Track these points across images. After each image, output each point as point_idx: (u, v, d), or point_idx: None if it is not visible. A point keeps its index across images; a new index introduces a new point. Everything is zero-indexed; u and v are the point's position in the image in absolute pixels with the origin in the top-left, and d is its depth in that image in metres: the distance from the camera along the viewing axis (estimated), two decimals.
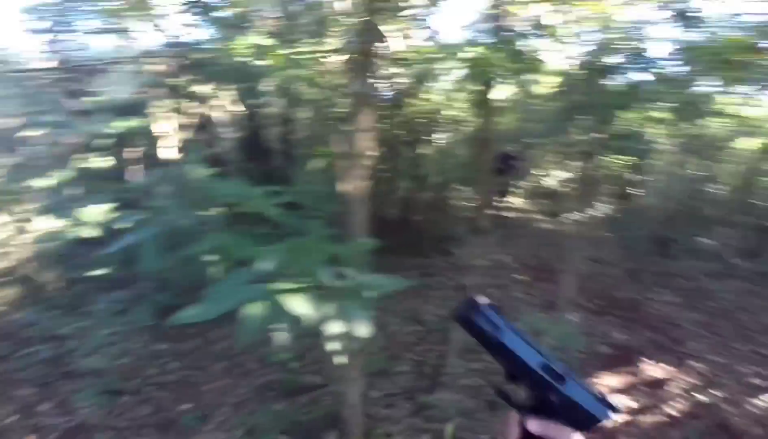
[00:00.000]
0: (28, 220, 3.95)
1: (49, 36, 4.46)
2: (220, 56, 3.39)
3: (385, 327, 3.78)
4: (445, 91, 4.95)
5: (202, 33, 3.86)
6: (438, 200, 5.89)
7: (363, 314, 1.38)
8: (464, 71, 3.11)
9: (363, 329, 1.38)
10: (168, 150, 4.00)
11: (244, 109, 4.64)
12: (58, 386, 2.83)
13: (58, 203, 4.18)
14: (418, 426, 2.75)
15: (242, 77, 3.84)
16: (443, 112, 5.40)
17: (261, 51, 2.74)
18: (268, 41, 2.76)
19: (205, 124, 4.39)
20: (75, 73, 4.50)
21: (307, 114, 4.91)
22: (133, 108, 3.91)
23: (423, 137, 5.49)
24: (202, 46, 3.73)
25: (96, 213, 3.58)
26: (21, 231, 3.74)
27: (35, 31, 4.44)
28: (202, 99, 4.18)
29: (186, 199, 2.53)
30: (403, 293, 4.36)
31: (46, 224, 3.90)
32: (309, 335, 1.52)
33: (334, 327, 1.38)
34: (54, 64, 4.62)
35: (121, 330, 3.50)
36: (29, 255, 3.90)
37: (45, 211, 4.03)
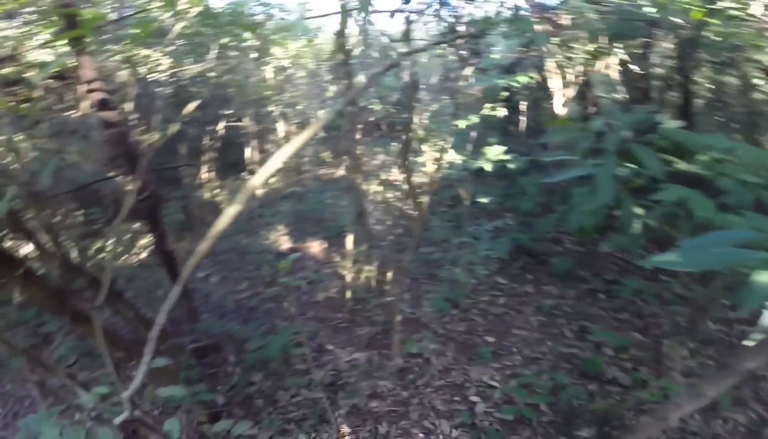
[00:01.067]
0: (443, 151, 5.20)
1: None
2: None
3: None
4: None
5: None
6: None
7: None
8: None
9: None
10: (558, 104, 4.01)
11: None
12: (423, 283, 3.84)
13: (464, 141, 5.20)
14: None
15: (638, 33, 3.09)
16: None
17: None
18: None
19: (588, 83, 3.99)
20: (472, 36, 5.10)
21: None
22: (520, 66, 4.11)
23: None
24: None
25: (494, 152, 4.22)
26: (436, 159, 4.99)
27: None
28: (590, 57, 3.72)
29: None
30: None
31: (453, 155, 4.98)
32: None
33: None
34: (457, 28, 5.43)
35: (481, 254, 4.12)
36: (438, 177, 5.18)
37: (454, 146, 5.14)
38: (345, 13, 2.03)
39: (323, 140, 7.39)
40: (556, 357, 2.85)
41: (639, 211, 1.55)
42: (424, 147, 5.07)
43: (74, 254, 3.72)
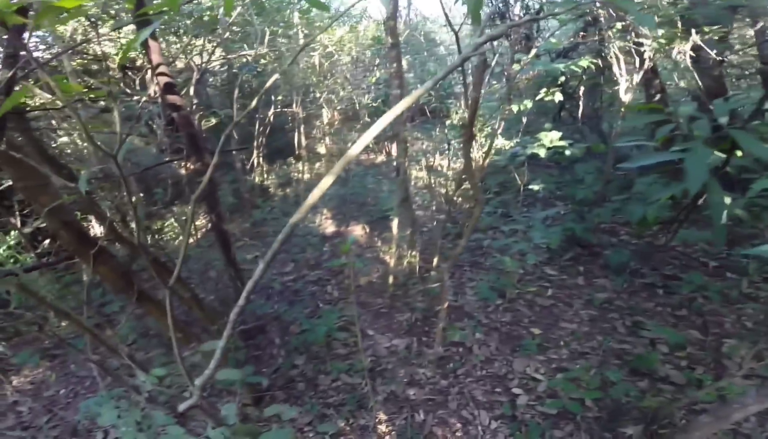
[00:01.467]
0: (493, 136, 5.04)
1: None
2: None
3: None
4: None
5: None
6: None
7: None
8: None
9: None
10: (623, 91, 3.80)
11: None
12: (467, 270, 3.78)
13: (515, 127, 5.02)
14: None
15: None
16: None
17: None
18: None
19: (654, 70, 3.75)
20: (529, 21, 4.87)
21: None
22: (576, 51, 3.92)
23: None
24: None
25: (550, 137, 4.08)
26: (484, 145, 4.85)
27: None
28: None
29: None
30: None
31: (502, 141, 4.83)
32: None
33: None
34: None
35: (533, 243, 3.99)
36: (485, 163, 5.03)
37: (504, 131, 4.98)
38: None
39: (367, 125, 7.40)
40: (606, 352, 2.72)
41: (727, 200, 1.43)
42: (476, 133, 4.96)
43: (140, 235, 3.97)
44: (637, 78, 3.72)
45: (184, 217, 5.19)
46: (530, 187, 4.70)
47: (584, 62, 3.50)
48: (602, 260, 3.64)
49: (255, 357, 3.04)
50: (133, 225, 3.36)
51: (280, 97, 6.22)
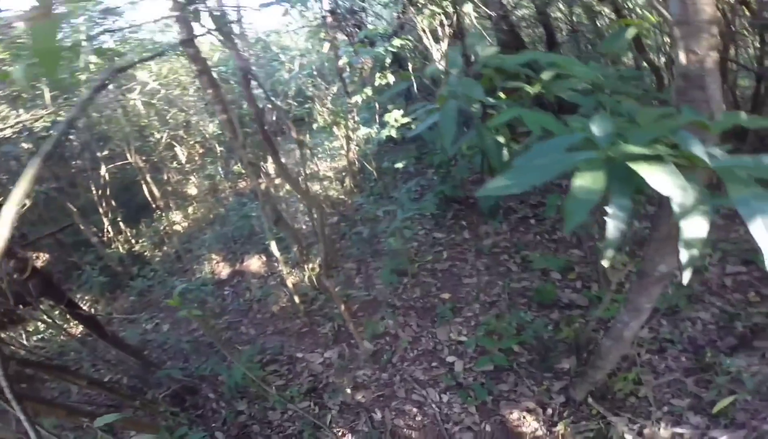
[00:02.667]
0: (354, 129, 5.13)
1: None
2: None
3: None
4: None
5: None
6: None
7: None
8: None
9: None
10: (437, 59, 4.06)
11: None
12: (370, 262, 3.82)
13: (368, 113, 5.16)
14: (685, 388, 1.99)
15: None
16: None
17: None
18: None
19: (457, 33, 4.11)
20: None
21: None
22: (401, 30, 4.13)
23: None
24: None
25: (394, 117, 4.21)
26: (349, 139, 4.92)
27: None
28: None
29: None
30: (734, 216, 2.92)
31: (364, 131, 4.93)
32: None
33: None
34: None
35: (413, 216, 4.16)
36: (356, 155, 5.13)
37: (364, 122, 5.10)
38: (188, 16, 1.82)
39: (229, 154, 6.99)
40: (511, 294, 2.98)
41: (502, 140, 1.57)
42: (336, 131, 4.99)
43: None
44: (444, 46, 4.02)
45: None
46: (396, 166, 4.90)
47: (397, 42, 3.71)
48: (478, 209, 3.96)
49: (199, 417, 2.87)
50: None
51: (106, 152, 5.49)
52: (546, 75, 1.32)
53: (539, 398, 2.29)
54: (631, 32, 1.28)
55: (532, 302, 2.85)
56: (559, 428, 2.10)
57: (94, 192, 5.16)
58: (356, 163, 4.87)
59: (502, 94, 1.57)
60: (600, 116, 1.02)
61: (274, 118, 5.47)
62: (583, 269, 2.96)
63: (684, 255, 0.74)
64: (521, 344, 2.57)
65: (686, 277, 0.62)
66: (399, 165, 4.77)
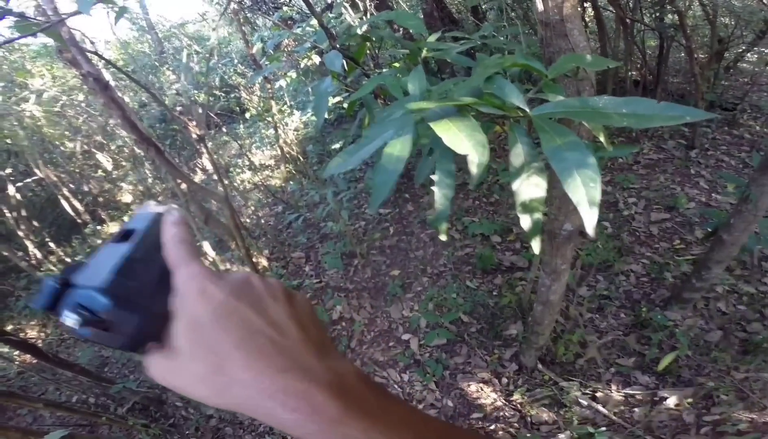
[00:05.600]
0: (288, 114, 4.92)
1: None
2: None
3: (620, 209, 2.83)
4: None
5: None
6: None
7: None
8: None
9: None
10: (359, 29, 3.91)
11: None
12: (317, 248, 3.75)
13: (298, 97, 4.96)
14: (628, 346, 2.08)
15: None
16: None
17: None
18: None
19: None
20: None
21: None
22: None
23: None
24: None
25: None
26: (284, 125, 4.72)
27: None
28: None
29: None
30: (655, 164, 3.11)
31: (296, 116, 4.75)
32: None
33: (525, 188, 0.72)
34: None
35: (356, 196, 4.11)
36: (292, 141, 4.96)
37: (298, 107, 4.90)
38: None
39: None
40: (456, 263, 3.02)
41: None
42: (270, 119, 4.76)
43: None
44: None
45: None
46: (333, 147, 4.79)
47: (314, 21, 3.54)
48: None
49: (172, 426, 2.83)
50: None
51: (9, 170, 4.96)
52: (432, 38, 1.26)
53: (493, 368, 2.34)
54: None
55: (475, 268, 2.90)
56: (516, 397, 2.15)
57: (8, 214, 4.69)
58: (292, 149, 4.70)
59: (396, 64, 1.51)
60: (414, 72, 0.94)
61: (200, 111, 5.12)
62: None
63: (525, 220, 0.67)
64: (469, 314, 2.61)
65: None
66: (336, 146, 4.66)
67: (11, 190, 4.68)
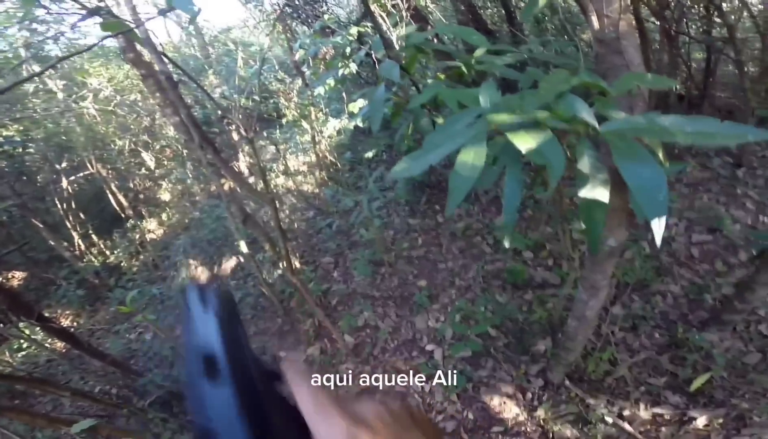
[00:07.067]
0: (324, 121, 5.04)
1: None
2: None
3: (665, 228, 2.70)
4: None
5: None
6: None
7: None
8: None
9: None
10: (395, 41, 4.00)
11: None
12: (346, 254, 3.79)
13: (339, 104, 5.07)
14: (661, 365, 1.99)
15: None
16: None
17: None
18: None
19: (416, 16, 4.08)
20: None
21: None
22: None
23: None
24: None
25: (357, 106, 4.13)
26: (316, 131, 4.84)
27: None
28: None
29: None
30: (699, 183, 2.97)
31: (333, 123, 4.85)
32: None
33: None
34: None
35: (386, 204, 4.14)
36: (327, 148, 5.06)
37: (333, 113, 5.01)
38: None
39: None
40: (485, 277, 2.98)
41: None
42: (305, 125, 4.89)
43: None
44: (402, 30, 3.94)
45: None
46: (366, 155, 4.84)
47: (354, 30, 3.63)
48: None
49: (190, 422, 2.79)
50: None
51: (65, 164, 5.29)
52: (479, 52, 1.28)
53: (518, 383, 2.29)
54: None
55: (506, 283, 2.85)
56: (540, 412, 2.11)
57: (59, 206, 5.00)
58: (327, 156, 4.80)
59: (441, 76, 1.54)
60: (486, 85, 0.97)
61: (240, 116, 5.32)
62: (555, 246, 2.97)
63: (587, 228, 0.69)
64: (497, 328, 2.56)
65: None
66: (369, 155, 4.71)
67: (64, 183, 4.99)
